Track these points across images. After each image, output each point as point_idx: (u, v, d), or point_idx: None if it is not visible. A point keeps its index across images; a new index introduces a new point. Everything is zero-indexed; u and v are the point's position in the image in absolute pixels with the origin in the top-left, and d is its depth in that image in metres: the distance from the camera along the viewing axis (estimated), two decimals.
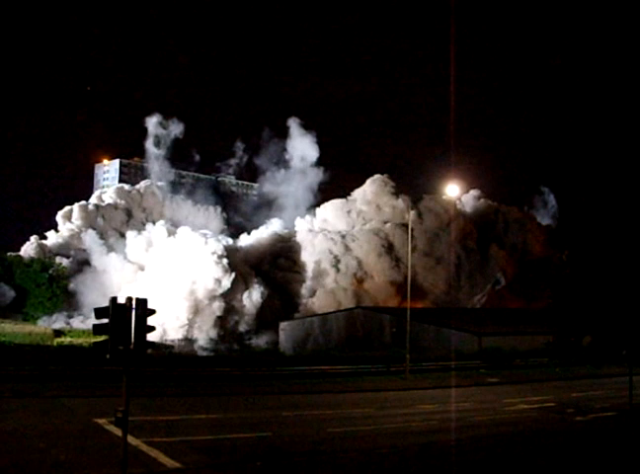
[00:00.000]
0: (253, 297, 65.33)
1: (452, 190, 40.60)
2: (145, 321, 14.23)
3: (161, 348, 47.53)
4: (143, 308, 14.22)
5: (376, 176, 76.67)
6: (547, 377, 37.46)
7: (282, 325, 58.77)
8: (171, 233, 68.01)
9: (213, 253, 63.87)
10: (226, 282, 63.47)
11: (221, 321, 64.10)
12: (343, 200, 76.89)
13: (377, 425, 21.30)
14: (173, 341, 57.44)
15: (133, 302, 14.07)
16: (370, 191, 75.52)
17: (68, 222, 79.58)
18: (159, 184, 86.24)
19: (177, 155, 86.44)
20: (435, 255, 71.77)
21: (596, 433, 21.10)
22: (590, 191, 61.80)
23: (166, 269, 62.42)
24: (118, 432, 15.11)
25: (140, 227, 75.43)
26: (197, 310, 62.81)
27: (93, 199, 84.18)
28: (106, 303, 13.96)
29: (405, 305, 61.63)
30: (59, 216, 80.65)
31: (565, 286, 54.79)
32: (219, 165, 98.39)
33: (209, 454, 16.32)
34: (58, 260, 72.07)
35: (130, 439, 14.98)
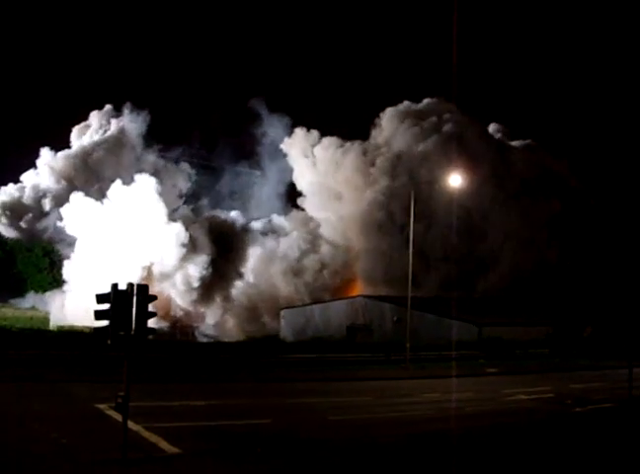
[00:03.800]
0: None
1: (455, 180, 40.17)
2: (146, 307, 14.30)
3: (162, 333, 47.54)
4: (144, 294, 14.29)
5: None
6: (547, 368, 37.52)
7: (283, 312, 58.83)
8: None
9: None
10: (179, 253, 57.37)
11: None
12: None
13: (377, 413, 21.38)
14: (174, 327, 57.41)
15: (134, 288, 14.14)
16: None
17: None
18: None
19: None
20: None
21: (594, 423, 21.18)
22: (592, 181, 61.11)
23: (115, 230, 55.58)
24: (118, 417, 15.18)
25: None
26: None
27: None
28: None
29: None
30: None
31: (565, 277, 54.81)
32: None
33: (210, 440, 16.40)
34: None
35: (131, 425, 15.05)
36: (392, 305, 49.51)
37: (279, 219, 70.96)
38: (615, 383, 28.15)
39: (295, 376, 30.54)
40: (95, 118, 73.59)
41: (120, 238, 54.90)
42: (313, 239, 66.27)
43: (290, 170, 69.13)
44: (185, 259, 58.43)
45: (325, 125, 70.89)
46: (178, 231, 57.87)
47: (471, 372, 34.31)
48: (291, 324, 56.86)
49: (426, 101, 68.16)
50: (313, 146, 68.08)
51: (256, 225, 69.69)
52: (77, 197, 59.42)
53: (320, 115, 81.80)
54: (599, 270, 54.88)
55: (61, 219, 61.24)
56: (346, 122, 75.67)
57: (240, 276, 63.82)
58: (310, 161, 67.64)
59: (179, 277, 58.77)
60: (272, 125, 72.17)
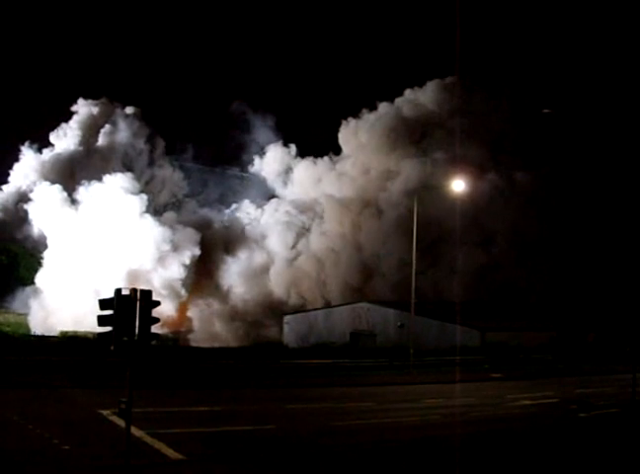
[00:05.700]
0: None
1: (458, 185, 39.88)
2: (150, 313, 14.27)
3: (164, 339, 47.42)
4: (148, 300, 14.26)
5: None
6: (551, 373, 37.40)
7: (287, 318, 58.80)
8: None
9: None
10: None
11: None
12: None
13: (380, 419, 21.33)
14: (176, 332, 57.29)
15: (138, 293, 14.12)
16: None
17: None
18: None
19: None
20: None
21: (599, 429, 21.09)
22: (588, 181, 60.32)
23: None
24: (121, 423, 15.13)
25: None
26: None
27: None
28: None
29: None
30: None
31: (568, 282, 54.66)
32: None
33: (213, 446, 16.38)
34: None
35: (134, 431, 15.00)
36: (395, 310, 49.47)
37: (263, 220, 70.31)
38: (620, 388, 28.07)
39: (299, 382, 30.48)
40: (83, 107, 71.70)
41: (99, 241, 53.98)
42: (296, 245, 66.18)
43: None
44: (168, 261, 57.72)
45: (301, 137, 70.84)
46: (163, 234, 57.31)
47: (475, 378, 34.19)
48: (295, 330, 56.85)
49: (382, 104, 65.91)
50: (289, 167, 68.47)
51: (240, 226, 69.13)
52: (43, 188, 57.80)
53: (297, 125, 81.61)
54: (602, 274, 54.73)
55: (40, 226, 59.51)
56: (324, 134, 75.07)
57: (224, 282, 63.39)
58: (289, 182, 68.52)
59: (162, 281, 57.44)
60: (258, 127, 72.16)
